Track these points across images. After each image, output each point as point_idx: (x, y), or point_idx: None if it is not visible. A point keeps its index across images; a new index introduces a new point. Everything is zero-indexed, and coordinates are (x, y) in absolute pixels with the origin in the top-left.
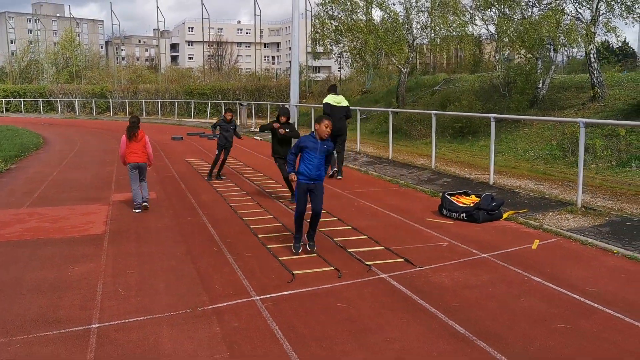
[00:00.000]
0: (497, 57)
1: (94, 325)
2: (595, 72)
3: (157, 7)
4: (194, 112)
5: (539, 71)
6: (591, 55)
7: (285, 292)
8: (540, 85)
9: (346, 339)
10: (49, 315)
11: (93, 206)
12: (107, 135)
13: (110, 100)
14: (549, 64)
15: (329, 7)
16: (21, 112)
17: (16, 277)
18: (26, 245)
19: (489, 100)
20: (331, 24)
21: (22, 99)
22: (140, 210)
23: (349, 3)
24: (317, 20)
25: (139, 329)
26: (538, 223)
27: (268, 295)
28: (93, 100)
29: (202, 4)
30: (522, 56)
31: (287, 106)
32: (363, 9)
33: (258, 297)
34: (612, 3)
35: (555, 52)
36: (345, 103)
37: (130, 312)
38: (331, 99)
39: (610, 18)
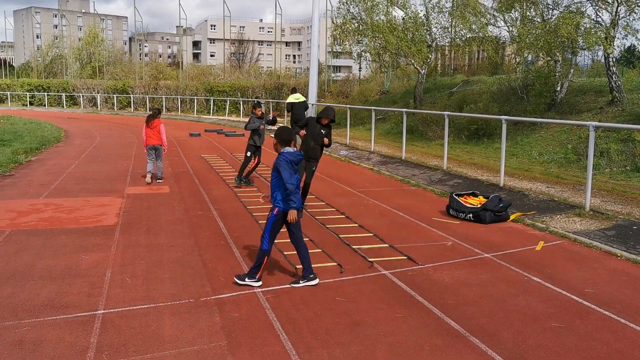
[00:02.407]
0: (517, 60)
1: (99, 312)
2: (613, 76)
3: (180, 4)
4: (213, 109)
5: (557, 74)
6: (610, 59)
7: (287, 285)
8: (559, 88)
9: (342, 332)
10: (57, 301)
11: (107, 198)
12: (127, 131)
13: (132, 95)
14: (568, 67)
15: (350, 6)
16: (45, 106)
17: (28, 264)
18: (41, 234)
19: (507, 103)
20: (352, 23)
21: (45, 93)
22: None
23: (369, 3)
24: (337, 19)
25: (142, 316)
26: (545, 225)
27: (270, 288)
28: (115, 95)
29: (224, 2)
30: (542, 59)
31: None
32: (383, 9)
33: (260, 290)
34: (633, 6)
35: (574, 55)
36: (302, 99)
37: (135, 300)
38: (293, 98)
39: (631, 21)
